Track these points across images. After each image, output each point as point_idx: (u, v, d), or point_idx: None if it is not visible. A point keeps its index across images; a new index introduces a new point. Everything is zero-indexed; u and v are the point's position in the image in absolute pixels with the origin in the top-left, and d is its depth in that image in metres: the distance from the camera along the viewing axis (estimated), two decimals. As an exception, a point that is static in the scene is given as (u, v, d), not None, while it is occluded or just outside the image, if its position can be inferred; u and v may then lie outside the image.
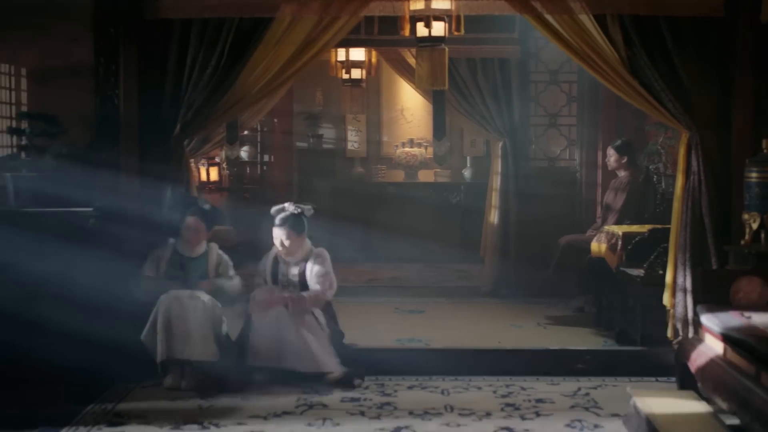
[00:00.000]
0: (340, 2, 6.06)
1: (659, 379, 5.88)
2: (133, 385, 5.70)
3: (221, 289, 6.09)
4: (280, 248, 6.11)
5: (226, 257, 6.26)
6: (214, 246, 6.23)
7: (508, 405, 5.36)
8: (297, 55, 6.28)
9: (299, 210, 6.13)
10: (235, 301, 6.25)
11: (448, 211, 11.41)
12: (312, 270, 6.14)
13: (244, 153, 11.75)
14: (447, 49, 7.24)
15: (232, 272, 6.24)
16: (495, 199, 8.92)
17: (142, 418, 5.10)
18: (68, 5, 5.86)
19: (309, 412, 5.22)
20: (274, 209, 6.15)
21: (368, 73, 10.34)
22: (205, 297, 5.88)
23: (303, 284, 6.14)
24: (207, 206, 6.14)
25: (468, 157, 11.85)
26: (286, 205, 6.14)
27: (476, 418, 5.12)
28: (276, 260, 6.23)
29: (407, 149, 11.85)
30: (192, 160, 9.69)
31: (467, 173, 11.76)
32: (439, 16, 7.08)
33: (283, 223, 6.08)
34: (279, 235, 6.07)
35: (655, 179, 7.62)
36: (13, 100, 6.36)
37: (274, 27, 6.12)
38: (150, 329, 5.74)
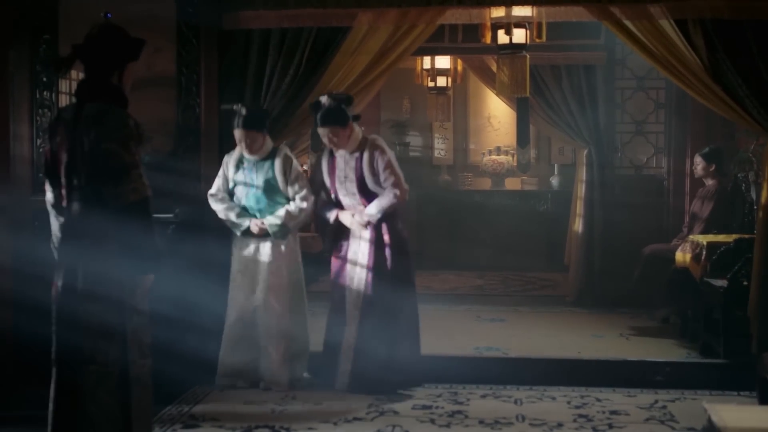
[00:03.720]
0: (417, 11, 6.07)
1: (741, 393, 5.72)
2: (210, 388, 5.82)
3: (277, 225, 5.86)
4: (330, 145, 5.87)
5: (296, 165, 5.97)
6: (282, 149, 5.98)
7: (581, 416, 5.28)
8: (374, 64, 6.37)
9: (335, 101, 5.77)
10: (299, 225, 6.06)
11: (534, 219, 11.30)
12: (370, 163, 5.82)
13: (331, 161, 11.88)
14: (528, 56, 7.23)
15: (297, 187, 5.89)
16: (580, 207, 8.83)
17: (216, 420, 5.20)
18: (152, 17, 6.02)
19: (379, 419, 5.24)
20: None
21: (454, 80, 10.35)
22: (277, 304, 5.88)
23: (361, 180, 5.84)
24: (243, 111, 5.82)
25: (555, 165, 11.73)
26: (322, 99, 5.80)
27: (547, 428, 5.07)
28: (332, 158, 5.98)
29: (494, 157, 11.79)
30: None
31: (554, 181, 11.64)
32: (520, 23, 7.07)
33: (324, 120, 5.76)
34: (324, 134, 5.80)
35: (743, 188, 7.41)
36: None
37: (351, 36, 6.20)
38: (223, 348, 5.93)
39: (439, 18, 6.29)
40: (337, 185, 5.93)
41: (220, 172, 5.99)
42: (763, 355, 5.32)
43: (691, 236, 7.18)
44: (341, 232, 5.98)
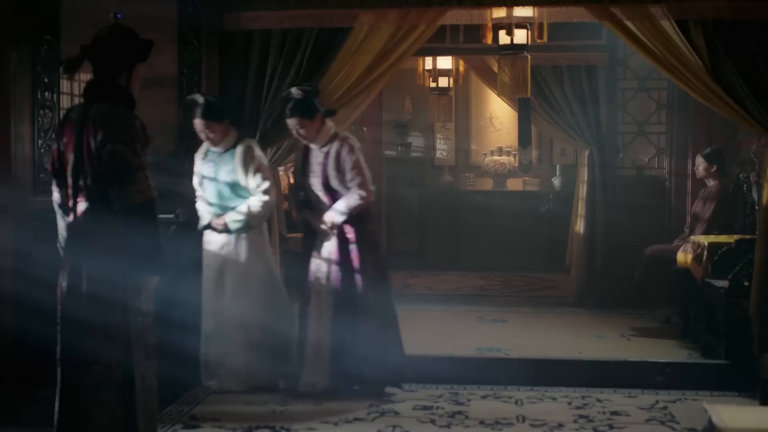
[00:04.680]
0: (418, 11, 6.08)
1: (742, 394, 5.72)
2: (210, 389, 5.83)
3: (238, 221, 5.75)
4: (298, 138, 5.76)
5: (258, 156, 5.82)
6: (246, 142, 5.83)
7: (581, 417, 5.28)
8: (375, 65, 6.35)
9: (302, 93, 5.63)
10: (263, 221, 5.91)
11: (536, 220, 11.30)
12: (336, 159, 5.67)
13: (333, 161, 11.88)
14: (530, 56, 7.23)
15: (259, 179, 5.76)
16: (581, 208, 8.82)
17: (217, 420, 5.21)
18: (153, 18, 6.01)
19: (380, 419, 5.24)
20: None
21: (456, 81, 10.36)
22: (244, 299, 5.78)
23: (325, 177, 5.69)
24: (200, 100, 5.70)
25: (557, 166, 11.72)
26: (292, 90, 5.67)
27: (547, 429, 5.07)
28: (306, 152, 5.84)
29: (496, 157, 11.78)
30: (281, 168, 9.91)
31: (556, 182, 11.63)
32: (521, 23, 7.07)
33: (291, 111, 5.63)
34: (292, 126, 5.66)
35: (745, 188, 7.40)
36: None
37: (352, 37, 6.20)
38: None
39: (440, 18, 6.29)
40: (309, 180, 5.79)
41: (195, 168, 5.92)
42: (764, 356, 5.32)
43: (692, 237, 7.18)
44: (311, 230, 5.86)
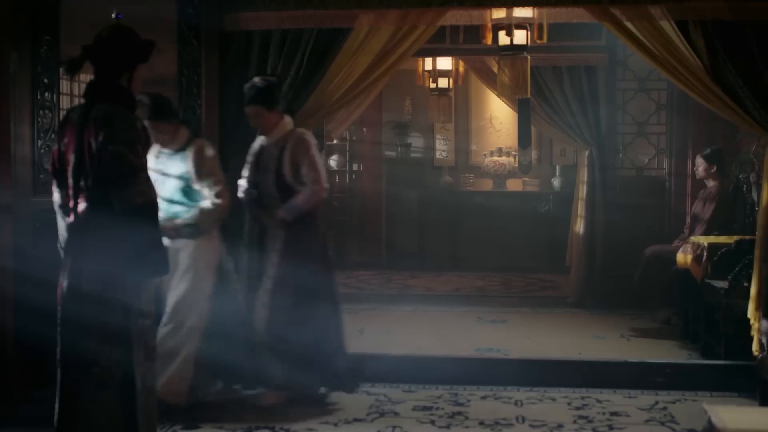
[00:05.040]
0: (418, 12, 6.08)
1: (742, 395, 5.72)
2: (209, 390, 5.81)
3: (189, 226, 5.43)
4: (255, 127, 5.63)
5: (210, 157, 5.51)
6: (197, 143, 5.53)
7: (581, 417, 5.28)
8: (375, 65, 6.36)
9: (266, 82, 5.51)
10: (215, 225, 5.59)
11: (536, 220, 11.30)
12: (292, 155, 5.53)
13: (333, 162, 11.91)
14: (529, 57, 7.23)
15: (211, 182, 5.45)
16: (581, 208, 8.83)
17: (216, 421, 5.21)
18: (153, 19, 6.01)
19: (379, 420, 5.25)
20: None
21: (456, 82, 10.35)
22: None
23: (279, 173, 5.56)
24: (146, 100, 5.34)
25: (557, 166, 11.72)
26: (255, 79, 5.57)
27: (547, 429, 5.07)
28: (261, 150, 5.68)
29: (496, 158, 11.77)
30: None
31: (556, 182, 11.63)
32: (521, 24, 7.07)
33: (249, 99, 5.51)
34: (249, 114, 5.56)
35: (745, 189, 7.41)
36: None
37: (352, 37, 6.20)
38: None
39: (439, 19, 6.29)
40: (261, 176, 5.63)
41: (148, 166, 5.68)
42: (764, 357, 5.32)
43: (692, 237, 7.18)
44: (257, 225, 5.75)
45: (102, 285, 3.81)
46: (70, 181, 3.90)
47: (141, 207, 3.77)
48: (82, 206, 3.88)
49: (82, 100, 4.03)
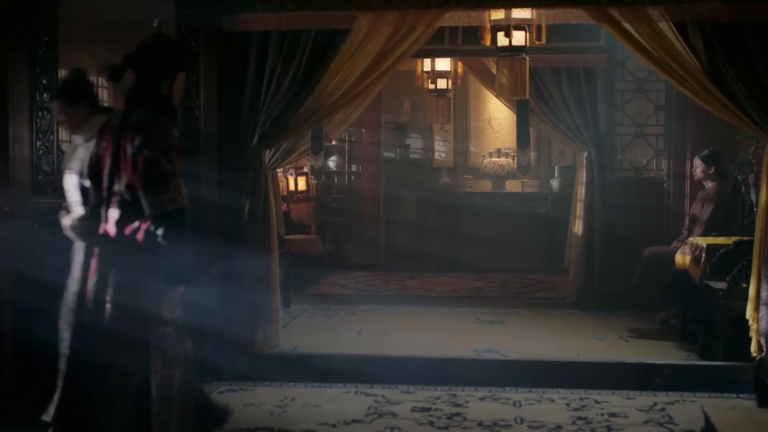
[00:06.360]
0: (416, 13, 6.07)
1: (740, 395, 5.71)
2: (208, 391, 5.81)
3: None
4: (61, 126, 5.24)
5: None
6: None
7: (579, 418, 5.28)
8: (373, 66, 6.36)
9: (74, 75, 4.93)
10: None
11: (534, 221, 11.31)
12: None
13: (332, 163, 11.92)
14: (528, 58, 7.23)
15: None
16: (580, 209, 8.83)
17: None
18: (151, 20, 6.01)
19: (378, 421, 5.24)
20: None
21: (455, 83, 10.35)
22: None
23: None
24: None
25: (556, 167, 11.73)
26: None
27: (546, 430, 5.07)
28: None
29: (494, 159, 11.78)
30: (280, 170, 9.93)
31: (555, 183, 11.63)
32: (520, 25, 7.07)
33: (56, 93, 5.05)
34: (54, 110, 5.16)
35: (743, 190, 7.41)
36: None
37: (350, 38, 6.19)
38: None
39: (438, 20, 6.28)
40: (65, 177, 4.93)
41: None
42: (762, 357, 5.32)
43: (690, 238, 7.19)
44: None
45: (124, 292, 3.87)
46: (105, 184, 3.97)
47: (170, 213, 3.83)
48: (113, 211, 3.94)
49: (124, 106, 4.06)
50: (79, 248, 4.46)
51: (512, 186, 11.80)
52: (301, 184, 11.28)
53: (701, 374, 6.05)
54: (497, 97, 8.41)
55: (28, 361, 5.61)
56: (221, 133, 6.16)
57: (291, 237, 9.51)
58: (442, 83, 10.10)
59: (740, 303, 5.96)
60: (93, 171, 4.04)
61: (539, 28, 7.16)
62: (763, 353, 5.65)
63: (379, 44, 6.32)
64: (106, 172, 3.95)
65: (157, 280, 3.87)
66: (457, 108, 11.79)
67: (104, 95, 6.05)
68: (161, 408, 3.92)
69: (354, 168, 12.29)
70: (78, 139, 4.95)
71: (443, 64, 9.89)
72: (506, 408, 5.51)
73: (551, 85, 8.63)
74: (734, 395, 5.74)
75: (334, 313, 8.35)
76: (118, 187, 3.90)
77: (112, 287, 3.87)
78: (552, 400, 5.67)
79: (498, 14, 6.90)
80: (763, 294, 5.74)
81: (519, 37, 7.12)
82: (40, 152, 6.12)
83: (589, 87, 8.65)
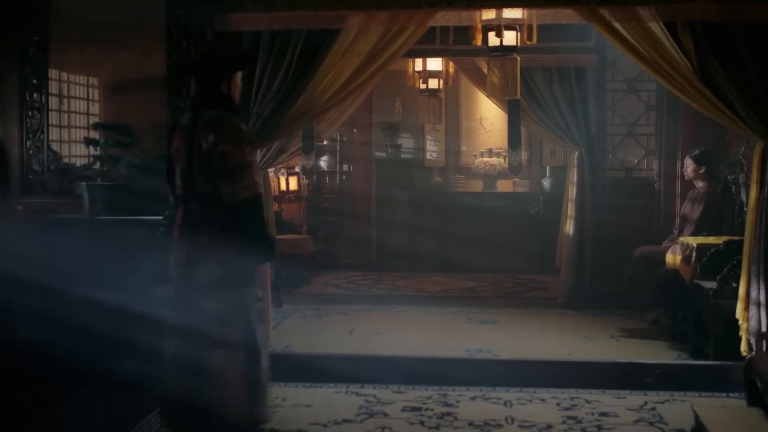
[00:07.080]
0: (407, 13, 6.08)
1: (730, 395, 5.73)
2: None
3: None
4: None
5: None
6: None
7: (570, 418, 5.29)
8: (364, 66, 6.36)
9: None
10: None
11: (526, 221, 11.30)
12: None
13: (323, 163, 11.91)
14: (519, 58, 7.23)
15: None
16: (571, 209, 8.83)
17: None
18: (143, 20, 6.03)
19: (369, 421, 5.24)
20: None
21: (446, 83, 10.34)
22: None
23: None
24: None
25: (547, 167, 11.73)
26: None
27: (536, 430, 5.08)
28: None
29: (486, 159, 11.77)
30: (271, 170, 9.91)
31: (546, 183, 11.63)
32: (511, 25, 7.07)
33: None
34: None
35: (733, 190, 7.43)
36: (89, 111, 6.56)
37: (341, 38, 6.19)
38: None
39: (429, 20, 6.28)
40: None
41: None
42: (752, 357, 5.32)
43: (681, 238, 7.20)
44: None
45: (219, 274, 4.10)
46: (179, 182, 4.22)
47: (248, 200, 4.07)
48: (192, 205, 4.17)
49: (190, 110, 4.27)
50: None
51: (504, 186, 11.80)
52: (293, 183, 11.26)
53: (691, 374, 6.07)
54: (488, 97, 8.40)
55: (20, 363, 5.58)
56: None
57: (282, 237, 9.50)
58: (433, 83, 10.09)
59: (730, 302, 5.99)
60: (168, 172, 4.30)
61: (530, 28, 7.17)
62: (753, 352, 5.67)
63: (370, 44, 6.32)
64: (179, 171, 4.20)
65: (245, 260, 4.13)
66: (448, 108, 11.79)
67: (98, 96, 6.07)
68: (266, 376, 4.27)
69: (345, 168, 12.28)
70: None
71: (434, 64, 9.88)
72: (497, 408, 5.52)
73: (542, 85, 8.63)
74: (724, 394, 5.76)
75: (326, 313, 8.35)
76: (195, 181, 4.12)
77: (204, 270, 4.11)
78: (543, 400, 5.67)
79: (489, 14, 6.89)
80: (753, 293, 5.77)
81: (510, 37, 7.12)
82: (30, 152, 6.10)
83: (580, 87, 8.66)
